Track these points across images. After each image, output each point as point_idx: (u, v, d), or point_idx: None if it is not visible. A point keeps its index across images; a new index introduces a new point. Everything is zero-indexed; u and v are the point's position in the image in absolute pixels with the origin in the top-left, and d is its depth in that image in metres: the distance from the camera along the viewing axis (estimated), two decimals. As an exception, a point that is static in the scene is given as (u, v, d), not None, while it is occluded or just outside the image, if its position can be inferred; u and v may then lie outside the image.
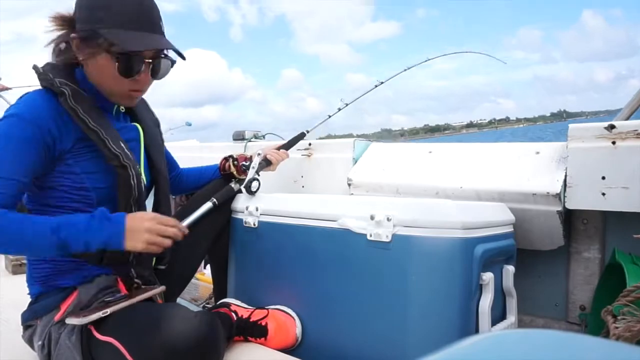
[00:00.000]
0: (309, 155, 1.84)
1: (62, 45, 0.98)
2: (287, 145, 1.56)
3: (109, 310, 0.90)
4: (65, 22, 0.97)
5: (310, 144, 1.84)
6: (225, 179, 1.35)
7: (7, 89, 2.93)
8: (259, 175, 1.35)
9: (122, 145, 0.98)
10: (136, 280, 1.02)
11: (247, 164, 1.34)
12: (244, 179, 1.32)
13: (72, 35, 0.95)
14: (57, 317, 0.94)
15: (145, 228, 0.92)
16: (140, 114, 1.13)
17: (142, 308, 0.95)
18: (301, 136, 1.62)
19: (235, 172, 1.33)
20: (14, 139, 0.89)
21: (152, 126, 1.17)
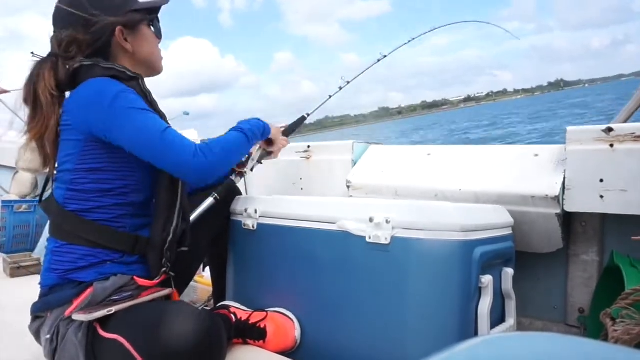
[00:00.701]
0: (308, 158, 1.84)
1: (85, 63, 1.01)
2: (288, 131, 1.49)
3: (114, 309, 0.91)
4: (79, 42, 1.01)
5: (309, 146, 1.84)
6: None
7: (5, 92, 2.93)
8: (261, 163, 1.35)
9: None
10: (168, 263, 1.03)
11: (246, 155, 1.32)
12: (242, 172, 1.32)
13: (117, 28, 1.04)
14: (67, 312, 0.94)
15: (280, 139, 1.34)
16: None
17: (148, 306, 0.96)
18: (302, 120, 1.54)
19: (234, 166, 1.32)
20: (140, 102, 0.98)
21: None
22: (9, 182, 2.88)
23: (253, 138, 1.15)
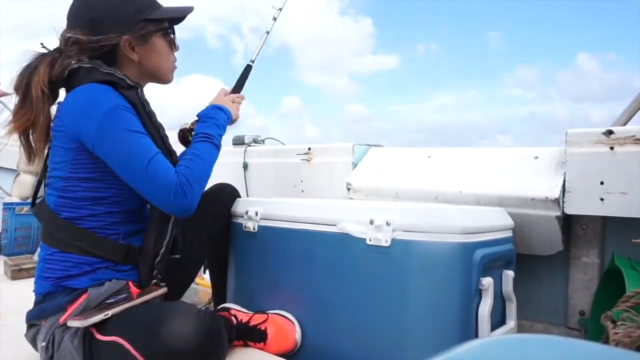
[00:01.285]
0: (309, 160, 1.84)
1: (85, 64, 0.99)
2: (238, 87, 1.36)
3: (110, 312, 0.90)
4: (82, 43, 0.99)
5: (309, 149, 1.84)
6: None
7: (6, 94, 2.94)
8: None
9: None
10: (159, 275, 1.03)
11: None
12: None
13: (124, 37, 1.02)
14: (62, 319, 0.93)
15: (229, 99, 1.21)
16: None
17: (146, 306, 0.96)
18: (248, 69, 1.40)
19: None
20: (133, 122, 0.95)
21: None
22: (10, 185, 2.88)
23: (221, 139, 1.11)
